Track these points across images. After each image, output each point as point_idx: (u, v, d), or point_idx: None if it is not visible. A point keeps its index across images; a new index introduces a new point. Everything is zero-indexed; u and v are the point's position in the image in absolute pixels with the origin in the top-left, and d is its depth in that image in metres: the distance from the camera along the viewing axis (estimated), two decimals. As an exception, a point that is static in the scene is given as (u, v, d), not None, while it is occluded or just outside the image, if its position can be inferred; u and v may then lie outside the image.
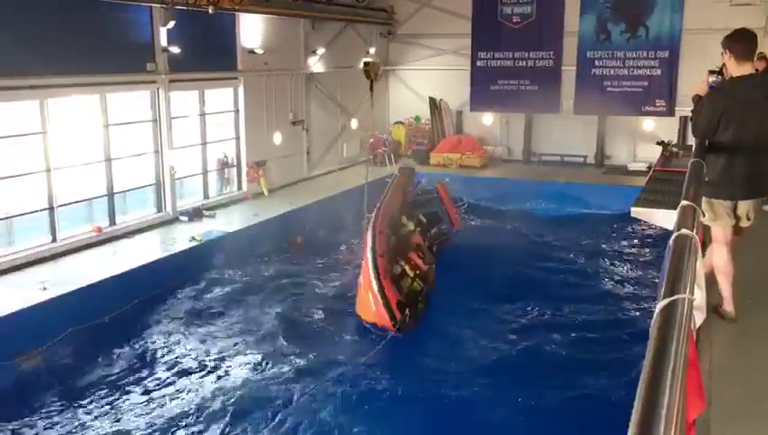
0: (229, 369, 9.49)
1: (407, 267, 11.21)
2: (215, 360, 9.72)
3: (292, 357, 9.64)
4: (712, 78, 5.49)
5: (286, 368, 9.34)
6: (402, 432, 8.01)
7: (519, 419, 8.08)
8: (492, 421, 8.07)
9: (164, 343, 10.19)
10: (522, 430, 7.97)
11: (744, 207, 5.22)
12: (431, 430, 8.09)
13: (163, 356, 9.83)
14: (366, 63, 15.73)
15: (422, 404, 8.36)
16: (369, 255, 10.72)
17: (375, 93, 20.26)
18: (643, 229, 15.08)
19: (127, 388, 9.03)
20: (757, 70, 5.53)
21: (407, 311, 9.87)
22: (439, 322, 10.51)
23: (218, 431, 8.03)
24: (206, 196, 15.60)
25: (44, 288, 10.19)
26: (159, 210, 14.21)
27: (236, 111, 16.28)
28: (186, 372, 9.40)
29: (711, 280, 4.99)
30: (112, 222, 13.13)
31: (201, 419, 8.26)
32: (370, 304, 10.07)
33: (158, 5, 12.95)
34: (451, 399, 8.47)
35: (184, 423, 8.19)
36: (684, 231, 2.52)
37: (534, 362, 9.45)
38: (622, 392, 7.81)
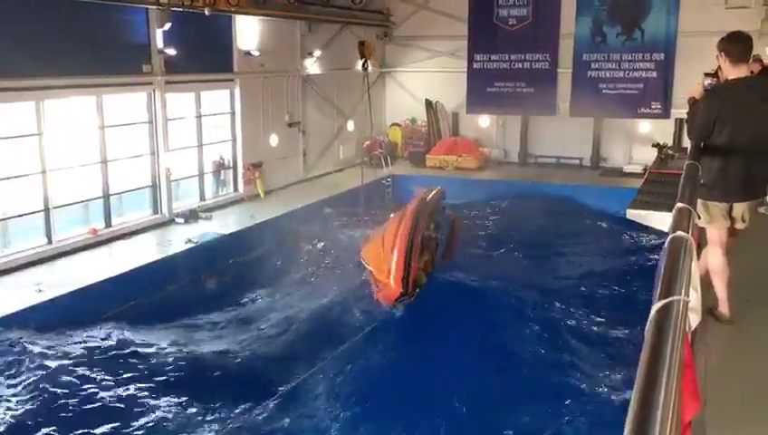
0: (225, 366, 9.51)
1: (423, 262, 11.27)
2: (211, 360, 9.72)
3: (287, 354, 9.71)
4: (707, 80, 5.49)
5: (282, 364, 9.44)
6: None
7: (517, 419, 8.10)
8: (486, 421, 8.10)
9: (159, 344, 10.17)
10: (519, 431, 7.99)
11: (740, 209, 5.23)
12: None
13: (157, 357, 9.81)
14: (361, 43, 15.79)
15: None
16: (409, 223, 10.64)
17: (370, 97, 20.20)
18: (638, 231, 15.10)
19: (123, 387, 9.02)
20: (752, 72, 5.55)
21: (417, 291, 9.97)
22: (432, 320, 10.58)
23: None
24: (202, 198, 15.60)
25: (40, 290, 10.17)
26: (155, 212, 14.20)
27: (232, 113, 16.28)
28: (181, 372, 9.39)
29: (706, 282, 5.00)
30: (108, 224, 13.11)
31: (201, 413, 8.29)
32: (388, 263, 10.03)
33: (155, 7, 12.94)
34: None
35: (180, 420, 8.20)
36: (679, 233, 2.53)
37: (529, 363, 9.46)
38: (618, 393, 7.83)
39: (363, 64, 15.02)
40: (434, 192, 13.65)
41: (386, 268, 10.05)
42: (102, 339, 10.06)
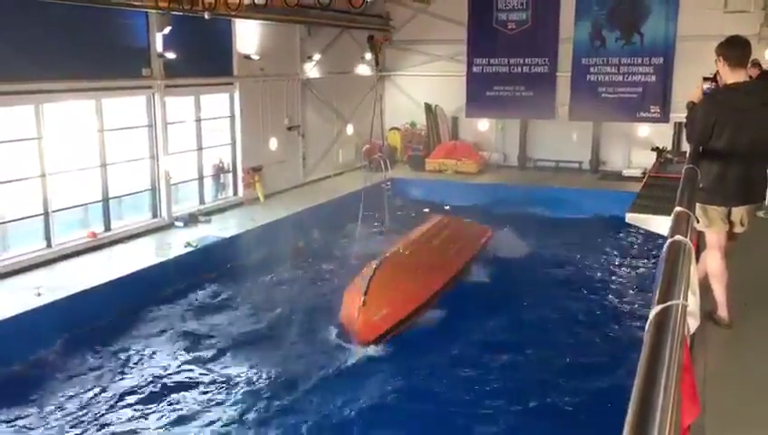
0: (221, 372, 9.49)
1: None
2: (208, 365, 9.71)
3: (281, 363, 9.69)
4: (706, 85, 5.49)
5: (275, 374, 9.40)
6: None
7: (515, 422, 8.11)
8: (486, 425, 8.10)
9: (152, 348, 10.16)
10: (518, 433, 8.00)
11: (738, 213, 5.23)
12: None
13: (151, 361, 9.81)
14: (370, 37, 15.87)
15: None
16: (423, 296, 10.76)
17: (369, 100, 20.22)
18: (638, 235, 15.12)
19: (116, 391, 9.02)
20: (751, 77, 5.55)
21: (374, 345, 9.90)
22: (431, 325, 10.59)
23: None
24: (201, 201, 15.60)
25: (39, 294, 10.16)
26: (155, 216, 14.20)
27: (232, 117, 16.29)
28: (175, 378, 9.38)
29: (705, 286, 5.00)
30: (107, 227, 13.10)
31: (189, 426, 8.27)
32: (374, 313, 9.96)
33: (155, 11, 12.95)
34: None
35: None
36: (678, 237, 2.52)
37: (527, 367, 9.47)
38: (617, 397, 7.81)
39: (375, 60, 14.96)
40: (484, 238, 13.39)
41: (374, 313, 9.90)
42: (100, 341, 10.07)
